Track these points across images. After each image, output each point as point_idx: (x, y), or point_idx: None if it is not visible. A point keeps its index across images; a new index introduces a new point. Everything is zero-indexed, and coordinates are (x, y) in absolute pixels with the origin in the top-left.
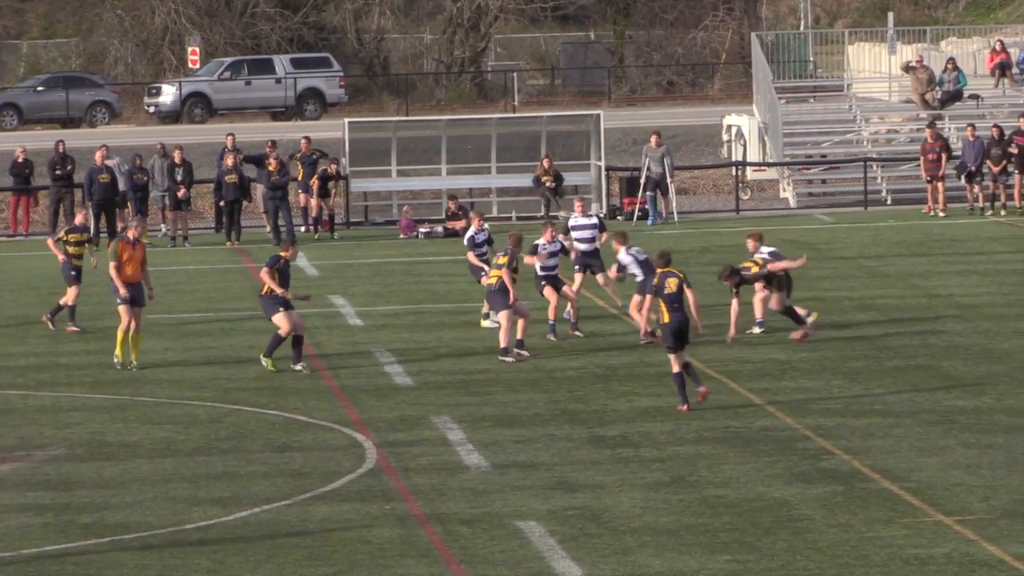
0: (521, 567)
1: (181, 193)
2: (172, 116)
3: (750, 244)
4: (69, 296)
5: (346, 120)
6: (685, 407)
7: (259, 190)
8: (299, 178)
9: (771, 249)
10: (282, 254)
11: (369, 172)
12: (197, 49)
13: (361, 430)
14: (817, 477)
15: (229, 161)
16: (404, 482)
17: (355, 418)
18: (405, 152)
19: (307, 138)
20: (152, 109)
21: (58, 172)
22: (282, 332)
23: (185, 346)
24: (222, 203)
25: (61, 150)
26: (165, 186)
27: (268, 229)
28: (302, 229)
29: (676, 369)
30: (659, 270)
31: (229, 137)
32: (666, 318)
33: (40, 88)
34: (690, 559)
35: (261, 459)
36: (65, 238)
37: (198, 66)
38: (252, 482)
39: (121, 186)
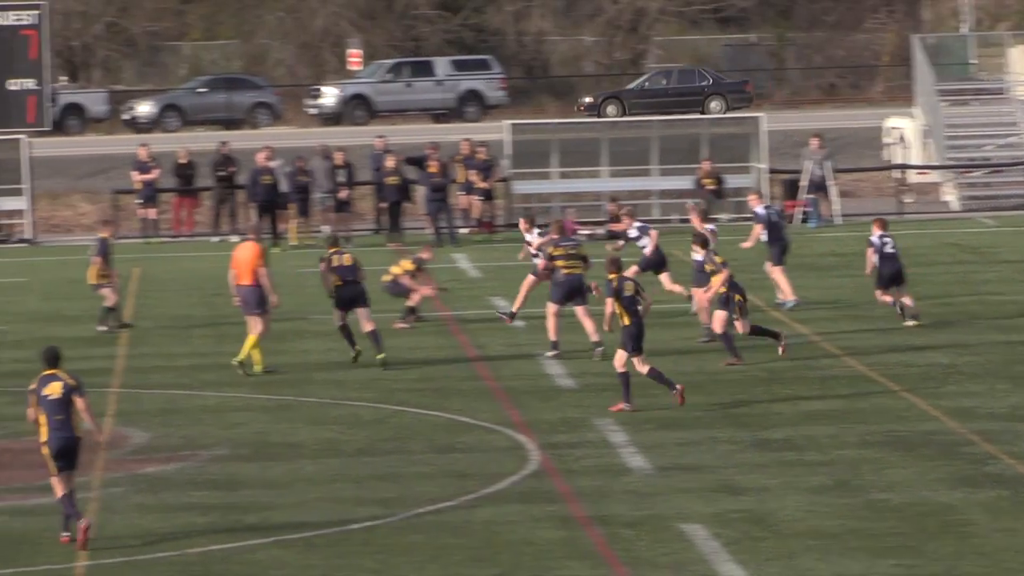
0: (685, 570)
1: (343, 195)
2: (333, 118)
3: (694, 219)
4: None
5: (507, 122)
6: (628, 406)
7: (420, 192)
8: (459, 180)
9: (711, 227)
10: (422, 255)
11: (530, 174)
12: (358, 51)
13: (524, 432)
14: (982, 481)
15: (390, 163)
16: (567, 484)
17: (518, 420)
18: (566, 154)
19: (467, 140)
20: (313, 111)
21: (220, 173)
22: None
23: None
24: (384, 205)
25: (224, 151)
26: (327, 188)
27: (429, 231)
28: (464, 231)
29: (643, 370)
30: (610, 276)
31: (379, 140)
32: (626, 321)
33: (202, 90)
34: (854, 563)
35: (424, 460)
36: None
37: (359, 68)
38: (416, 483)
39: (283, 188)
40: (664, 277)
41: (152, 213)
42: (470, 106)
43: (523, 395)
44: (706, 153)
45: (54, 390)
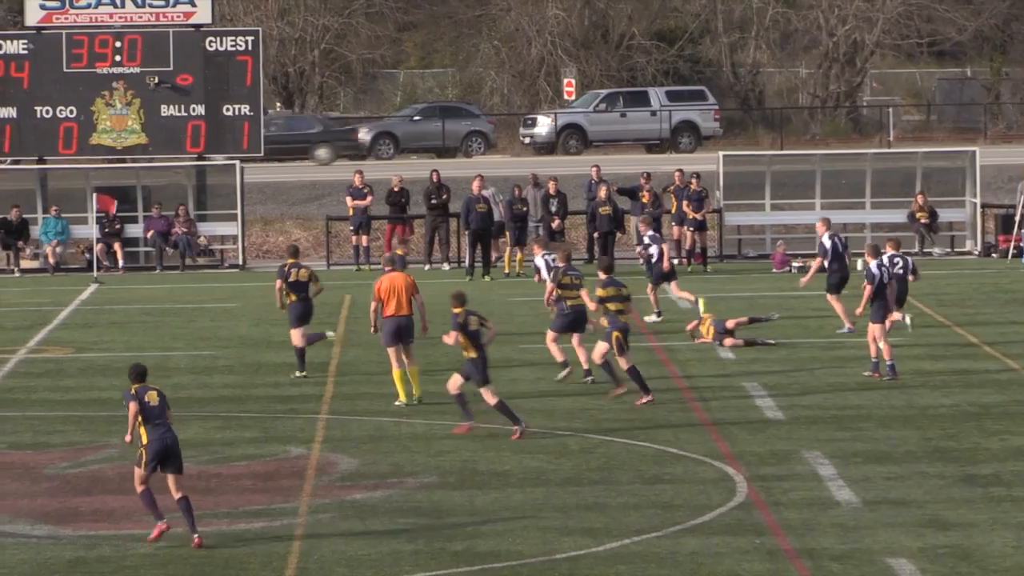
0: None
1: (556, 224)
2: (547, 147)
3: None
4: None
5: (721, 153)
6: (467, 426)
7: (633, 222)
8: (672, 210)
9: (651, 233)
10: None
11: (742, 206)
12: (573, 81)
13: (732, 463)
14: None
15: (603, 193)
16: (774, 516)
17: (726, 451)
18: (779, 186)
19: (680, 170)
20: (527, 140)
21: (433, 201)
22: None
23: (557, 375)
24: (596, 234)
25: (436, 179)
26: (539, 216)
27: (641, 262)
28: (675, 261)
29: (492, 402)
30: (455, 310)
31: (592, 169)
32: (472, 354)
33: (417, 117)
34: None
35: (631, 490)
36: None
37: (573, 97)
38: (622, 513)
39: (496, 216)
40: (673, 285)
41: (364, 240)
42: (684, 136)
43: (731, 427)
44: (920, 186)
45: (152, 398)
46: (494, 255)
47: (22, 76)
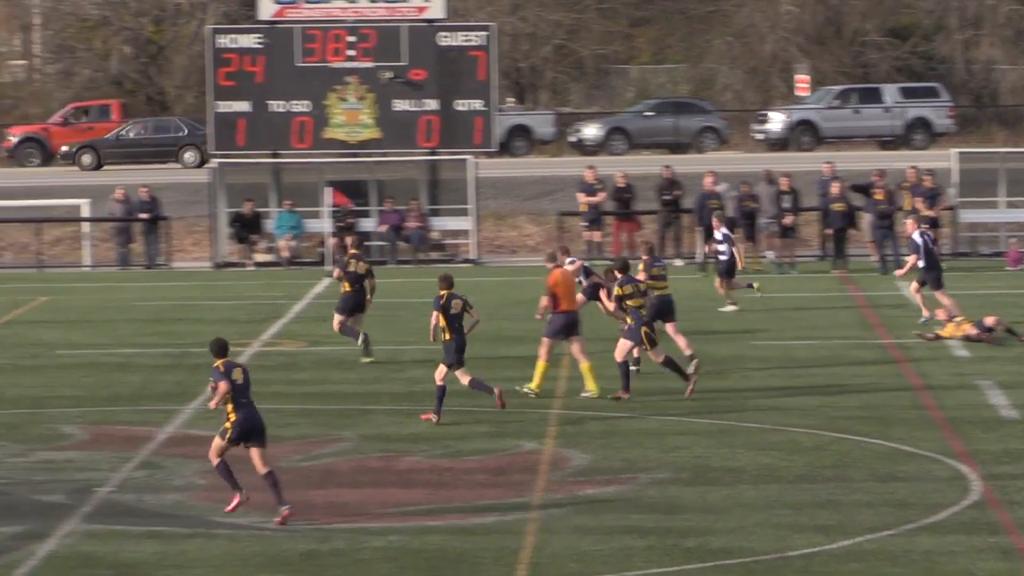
0: None
1: (788, 220)
2: (779, 143)
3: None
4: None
5: (955, 150)
6: (434, 418)
7: (866, 219)
8: (905, 207)
9: (724, 232)
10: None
11: (977, 203)
12: (806, 77)
13: (966, 462)
14: None
15: (836, 189)
16: (1009, 515)
17: (960, 449)
18: (1014, 183)
19: (914, 167)
20: (760, 136)
21: (666, 197)
22: None
23: (791, 373)
24: (829, 231)
25: (668, 175)
26: (772, 213)
27: (874, 258)
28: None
29: (465, 381)
30: (441, 292)
31: (825, 166)
32: (447, 336)
33: (649, 113)
34: None
35: (864, 488)
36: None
37: (807, 94)
38: (855, 511)
39: (728, 212)
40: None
41: (597, 236)
42: (917, 134)
43: (966, 425)
44: None
45: (238, 375)
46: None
47: (255, 70)
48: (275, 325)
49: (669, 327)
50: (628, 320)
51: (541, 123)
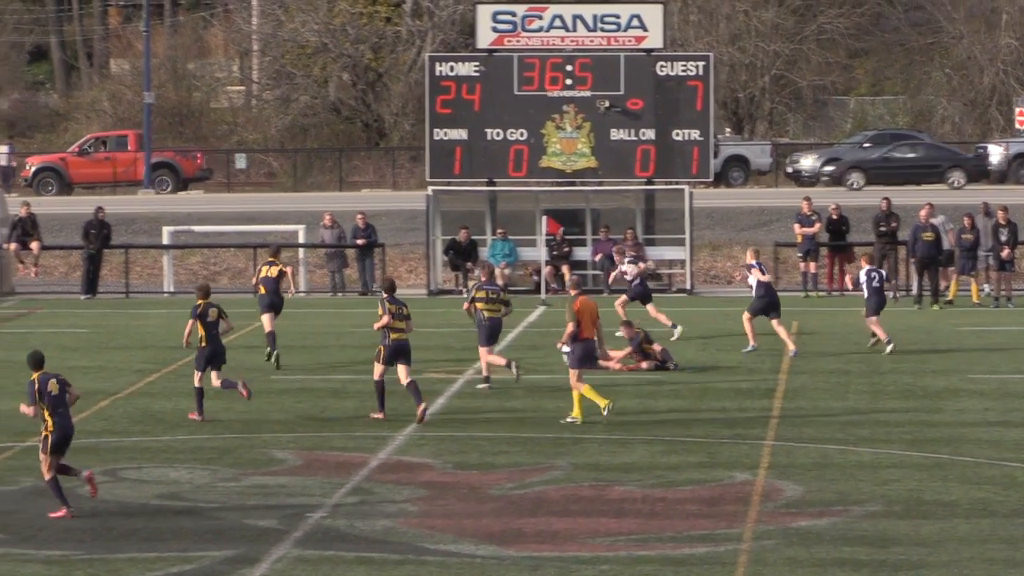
0: None
1: (1005, 253)
2: (999, 176)
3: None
4: None
5: None
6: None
7: None
8: None
9: (753, 263)
10: None
11: None
12: None
13: None
14: None
15: None
16: None
17: None
18: None
19: None
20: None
21: (882, 228)
22: None
23: (1007, 407)
24: None
25: (886, 207)
26: (989, 246)
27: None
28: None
29: (217, 384)
30: (199, 300)
31: None
32: (203, 343)
33: (866, 145)
34: None
35: None
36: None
37: None
38: None
39: (945, 245)
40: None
41: (812, 267)
42: None
43: None
44: None
45: (53, 387)
46: (942, 284)
47: (473, 98)
48: None
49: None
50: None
51: (758, 153)
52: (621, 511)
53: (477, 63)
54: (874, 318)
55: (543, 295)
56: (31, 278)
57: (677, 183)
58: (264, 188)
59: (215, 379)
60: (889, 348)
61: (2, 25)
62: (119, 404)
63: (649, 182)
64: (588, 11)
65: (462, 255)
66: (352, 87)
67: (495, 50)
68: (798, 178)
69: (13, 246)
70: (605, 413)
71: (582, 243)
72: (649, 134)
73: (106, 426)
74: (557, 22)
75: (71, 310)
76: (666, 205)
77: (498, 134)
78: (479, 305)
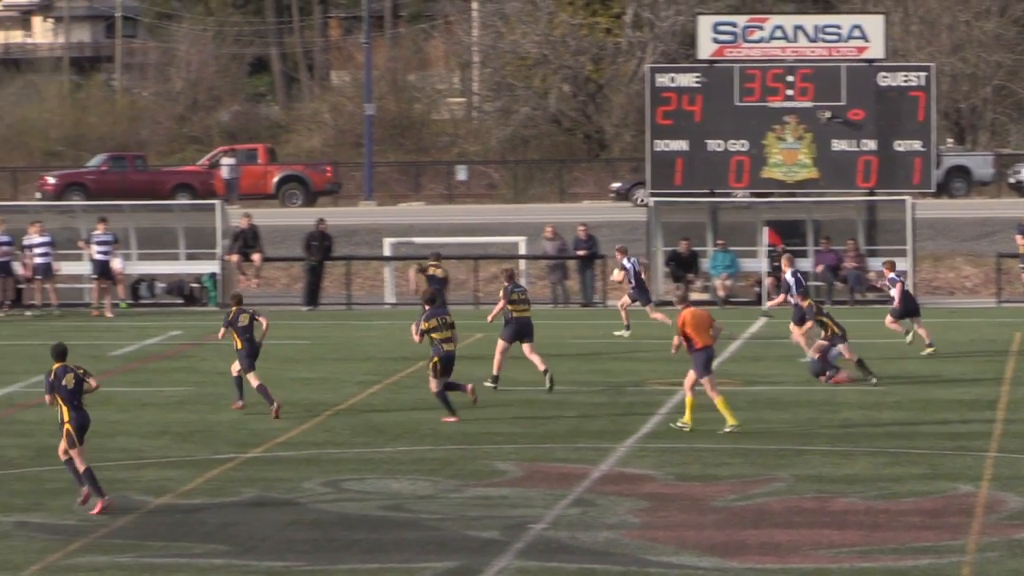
0: None
1: None
2: None
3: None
4: None
5: None
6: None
7: None
8: None
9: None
10: None
11: None
12: None
13: None
14: None
15: None
16: None
17: None
18: None
19: None
20: None
21: None
22: None
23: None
24: None
25: None
26: None
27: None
28: None
29: (255, 384)
30: (233, 308)
31: None
32: (239, 344)
33: None
34: None
35: None
36: None
37: None
38: None
39: None
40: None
41: None
42: None
43: None
44: None
45: (69, 381)
46: None
47: (694, 109)
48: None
49: (526, 347)
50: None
51: (980, 164)
52: (844, 523)
53: (698, 74)
54: None
55: (764, 306)
56: (253, 289)
57: (899, 194)
58: (484, 199)
59: (254, 380)
60: None
61: (223, 37)
62: (341, 415)
63: (871, 193)
64: (809, 22)
65: (683, 266)
66: (572, 98)
67: (716, 61)
68: (1021, 188)
69: (235, 257)
70: (726, 430)
71: (803, 254)
72: (871, 145)
73: (328, 437)
74: (778, 33)
75: (293, 322)
76: (888, 216)
77: (719, 145)
78: (509, 306)
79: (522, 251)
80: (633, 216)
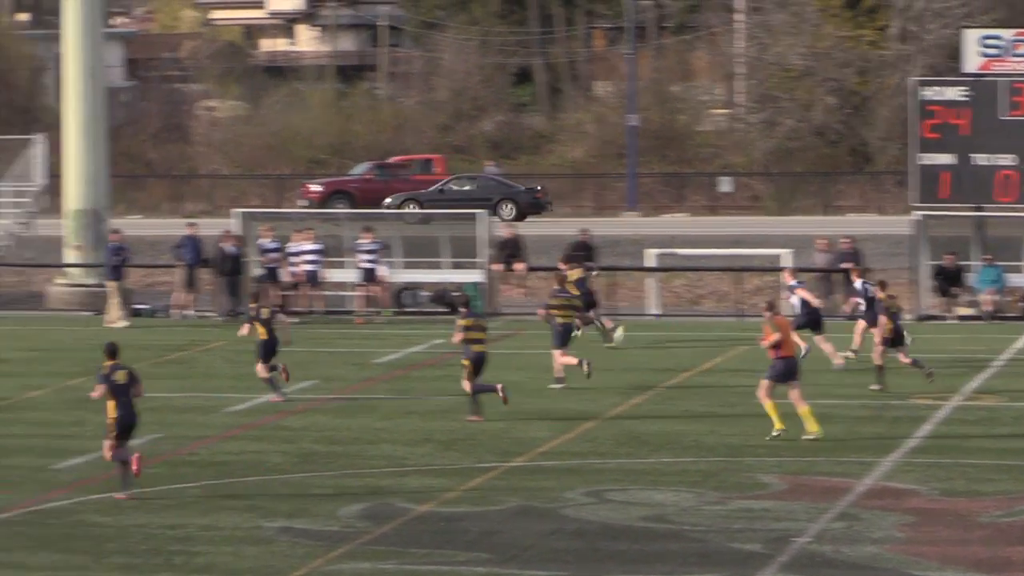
0: None
1: None
2: None
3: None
4: None
5: None
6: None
7: None
8: None
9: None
10: None
11: None
12: None
13: None
14: None
15: None
16: None
17: None
18: None
19: None
20: None
21: None
22: None
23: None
24: None
25: None
26: None
27: None
28: None
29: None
30: (251, 304)
31: None
32: (263, 335)
33: None
34: None
35: None
36: None
37: None
38: None
39: None
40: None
41: None
42: None
43: None
44: None
45: (121, 377)
46: None
47: (960, 123)
48: (975, 379)
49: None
50: None
51: None
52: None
53: (964, 87)
54: None
55: None
56: (517, 298)
57: None
58: (748, 211)
59: (261, 370)
60: None
61: (488, 47)
62: (604, 426)
63: None
64: None
65: (949, 280)
66: (838, 111)
67: (982, 75)
68: None
69: (499, 267)
70: (773, 434)
71: None
72: None
73: (591, 447)
74: None
75: None
76: None
77: (985, 159)
78: (554, 311)
79: (787, 263)
80: (896, 229)
